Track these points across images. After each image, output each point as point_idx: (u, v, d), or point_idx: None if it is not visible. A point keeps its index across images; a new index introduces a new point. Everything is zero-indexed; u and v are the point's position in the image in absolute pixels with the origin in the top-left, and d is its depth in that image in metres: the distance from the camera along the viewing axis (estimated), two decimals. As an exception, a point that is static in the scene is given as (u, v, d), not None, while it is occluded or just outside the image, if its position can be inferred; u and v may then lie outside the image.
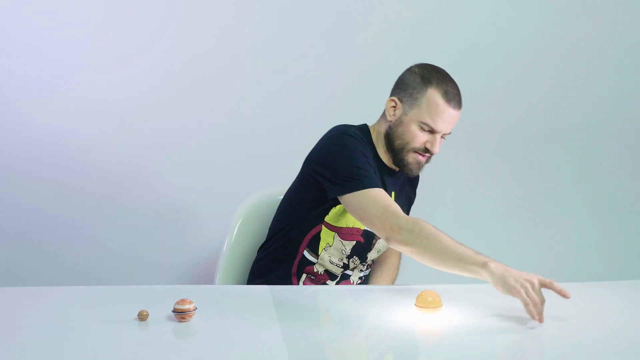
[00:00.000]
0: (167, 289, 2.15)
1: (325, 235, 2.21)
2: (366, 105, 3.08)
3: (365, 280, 2.37)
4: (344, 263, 2.24)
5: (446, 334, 1.78)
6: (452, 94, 2.14)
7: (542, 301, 1.76)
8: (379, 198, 2.03)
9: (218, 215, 2.95)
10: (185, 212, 3.09)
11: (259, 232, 2.41)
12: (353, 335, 1.75)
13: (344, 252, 2.23)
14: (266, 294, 2.04)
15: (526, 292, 1.76)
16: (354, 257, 2.25)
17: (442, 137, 2.17)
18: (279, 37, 3.03)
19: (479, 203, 3.24)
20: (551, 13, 3.14)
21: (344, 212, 2.18)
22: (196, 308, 1.77)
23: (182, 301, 1.76)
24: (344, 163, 2.09)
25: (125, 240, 3.07)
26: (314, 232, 2.22)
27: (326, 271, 2.23)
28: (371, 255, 2.29)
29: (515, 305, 1.99)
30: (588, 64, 3.19)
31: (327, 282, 2.24)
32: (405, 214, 2.02)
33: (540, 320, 1.75)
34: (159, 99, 3.02)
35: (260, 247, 2.35)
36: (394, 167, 2.26)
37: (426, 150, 2.16)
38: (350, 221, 2.20)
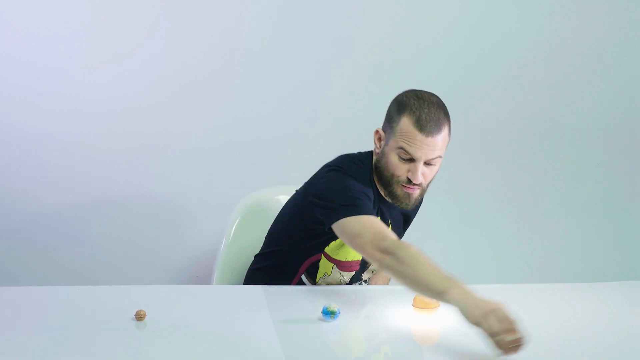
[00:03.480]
0: (164, 289, 2.15)
1: (324, 265, 2.19)
2: (363, 107, 3.09)
3: None
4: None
5: (443, 334, 1.79)
6: (426, 120, 2.02)
7: (512, 326, 1.59)
8: (372, 224, 1.99)
9: (215, 215, 2.94)
10: (182, 212, 3.09)
11: (257, 232, 2.40)
12: (350, 336, 1.75)
13: (342, 281, 2.21)
14: (263, 294, 2.04)
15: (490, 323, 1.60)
16: (351, 283, 2.24)
17: (427, 164, 2.06)
18: (275, 36, 3.03)
19: (475, 204, 3.24)
20: (547, 13, 3.14)
21: (343, 245, 2.14)
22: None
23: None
24: (340, 192, 2.07)
25: (123, 241, 3.07)
26: (313, 259, 2.19)
27: None
28: (366, 275, 2.28)
29: (510, 306, 1.99)
30: (585, 64, 3.19)
31: None
32: (395, 239, 1.96)
33: (516, 346, 1.57)
34: (155, 98, 3.01)
35: (258, 255, 2.32)
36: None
37: (409, 180, 2.06)
38: (350, 255, 2.17)
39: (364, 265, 2.23)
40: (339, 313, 1.79)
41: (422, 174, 2.06)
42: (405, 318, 1.85)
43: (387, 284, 2.39)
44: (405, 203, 2.12)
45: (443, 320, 1.84)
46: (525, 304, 2.01)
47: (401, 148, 2.04)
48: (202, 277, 2.95)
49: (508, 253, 3.26)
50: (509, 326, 1.58)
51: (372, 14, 3.07)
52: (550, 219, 3.27)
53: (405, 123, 2.04)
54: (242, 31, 3.02)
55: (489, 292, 2.12)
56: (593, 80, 3.20)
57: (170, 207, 3.06)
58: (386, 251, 1.89)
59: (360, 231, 1.98)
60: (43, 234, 3.04)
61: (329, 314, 1.78)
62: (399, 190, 2.10)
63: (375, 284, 2.36)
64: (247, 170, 3.06)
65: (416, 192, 2.11)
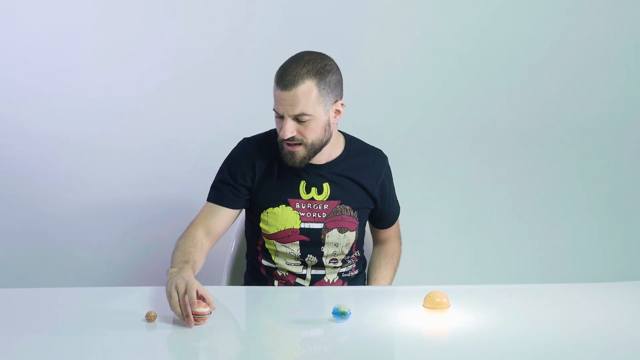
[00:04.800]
0: (174, 290, 2.15)
1: (269, 244, 2.22)
2: (371, 108, 3.09)
3: (356, 278, 2.34)
4: (301, 261, 2.21)
5: (454, 334, 1.79)
6: (282, 75, 2.05)
7: (184, 305, 1.74)
8: (199, 214, 2.24)
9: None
10: (192, 213, 3.09)
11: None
12: (361, 336, 1.75)
13: (292, 254, 2.20)
14: (274, 295, 2.04)
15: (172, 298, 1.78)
16: (308, 255, 2.21)
17: (298, 121, 2.06)
18: (282, 36, 3.03)
19: (485, 204, 3.23)
20: (557, 14, 3.13)
21: (270, 219, 2.18)
22: (211, 312, 1.76)
23: (198, 303, 1.75)
24: (218, 172, 2.28)
25: (133, 242, 3.08)
26: (261, 243, 2.24)
27: (290, 272, 2.22)
28: (328, 250, 2.22)
29: (521, 306, 1.99)
30: (595, 64, 3.18)
31: (298, 282, 2.23)
32: (191, 229, 2.19)
33: (189, 324, 1.73)
34: (162, 99, 3.02)
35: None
36: (319, 160, 2.20)
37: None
38: (281, 224, 2.18)
39: (316, 235, 2.19)
40: (350, 313, 1.79)
41: (297, 131, 2.08)
42: (416, 318, 1.85)
43: (395, 270, 2.38)
44: (290, 161, 2.14)
45: (453, 320, 1.84)
46: (536, 304, 2.02)
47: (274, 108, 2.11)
48: (212, 278, 2.96)
49: (518, 253, 3.25)
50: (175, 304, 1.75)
51: (382, 14, 3.07)
52: (561, 218, 3.26)
53: (274, 81, 2.10)
54: (249, 31, 3.02)
55: (499, 293, 2.12)
56: (603, 80, 3.19)
57: (180, 208, 3.07)
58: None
59: None
60: (53, 236, 3.06)
61: (339, 314, 1.78)
62: (284, 150, 2.14)
63: (377, 284, 2.34)
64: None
65: (298, 149, 2.11)
